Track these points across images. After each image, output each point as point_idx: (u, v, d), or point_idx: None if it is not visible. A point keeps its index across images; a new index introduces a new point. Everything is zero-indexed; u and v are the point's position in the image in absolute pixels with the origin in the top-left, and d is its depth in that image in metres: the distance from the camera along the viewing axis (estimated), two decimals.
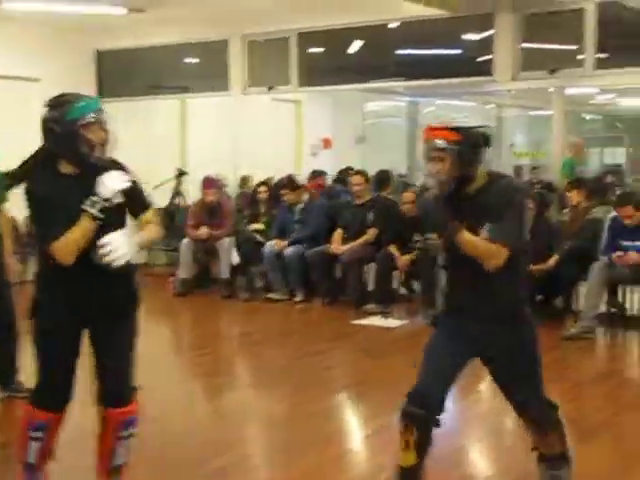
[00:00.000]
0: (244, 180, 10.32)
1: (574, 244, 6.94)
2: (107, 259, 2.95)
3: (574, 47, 7.62)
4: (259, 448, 4.40)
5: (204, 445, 4.20)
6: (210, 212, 8.48)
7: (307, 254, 8.00)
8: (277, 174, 10.16)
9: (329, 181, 10.28)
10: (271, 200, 8.70)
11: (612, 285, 6.81)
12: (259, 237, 8.49)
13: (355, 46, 9.06)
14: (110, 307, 3.17)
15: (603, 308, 6.75)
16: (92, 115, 3.13)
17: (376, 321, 7.20)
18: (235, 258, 8.45)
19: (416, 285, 7.97)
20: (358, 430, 4.70)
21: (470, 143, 2.96)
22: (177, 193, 9.79)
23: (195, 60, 10.28)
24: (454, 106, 14.70)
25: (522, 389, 3.18)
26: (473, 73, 8.41)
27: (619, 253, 6.36)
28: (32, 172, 3.21)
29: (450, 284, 3.19)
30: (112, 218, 3.07)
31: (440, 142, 2.96)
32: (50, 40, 9.57)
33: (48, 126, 3.08)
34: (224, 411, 4.98)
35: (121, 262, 2.98)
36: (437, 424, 3.08)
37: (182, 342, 7.24)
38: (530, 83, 8.11)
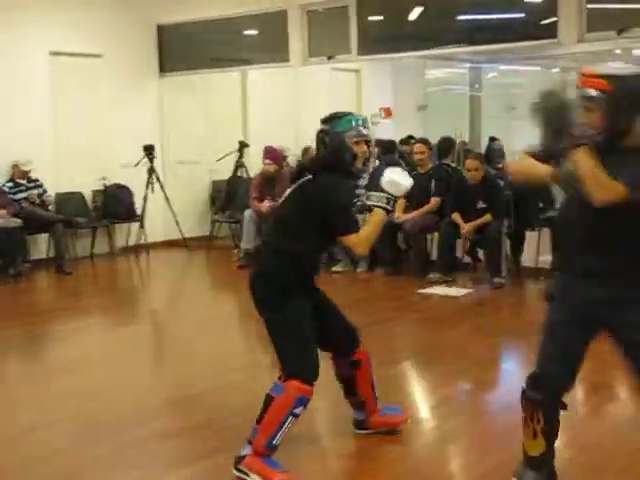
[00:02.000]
0: (305, 151, 10.32)
1: None
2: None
3: None
4: (324, 419, 4.43)
5: None
6: (270, 182, 8.52)
7: None
8: None
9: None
10: None
11: None
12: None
13: (415, 13, 8.93)
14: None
15: None
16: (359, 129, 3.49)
17: (440, 290, 7.17)
18: None
19: (480, 253, 7.90)
20: (423, 400, 4.70)
21: (624, 93, 2.63)
22: (239, 165, 9.86)
23: (254, 32, 10.28)
24: (517, 71, 14.40)
25: None
26: (537, 37, 8.20)
27: None
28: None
29: (575, 244, 2.82)
30: None
31: (590, 91, 2.68)
32: (111, 16, 9.69)
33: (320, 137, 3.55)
34: None
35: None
36: (563, 407, 2.96)
37: (247, 313, 7.31)
38: (597, 45, 7.86)
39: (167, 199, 9.62)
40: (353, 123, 3.48)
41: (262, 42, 10.26)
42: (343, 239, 3.40)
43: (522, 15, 8.55)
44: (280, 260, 3.46)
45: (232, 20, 9.89)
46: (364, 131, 3.48)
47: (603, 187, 2.59)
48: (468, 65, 13.91)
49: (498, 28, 8.60)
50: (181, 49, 10.42)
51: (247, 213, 8.66)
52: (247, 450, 3.45)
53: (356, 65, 11.03)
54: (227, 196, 9.81)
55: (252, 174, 9.59)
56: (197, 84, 10.53)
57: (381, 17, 9.38)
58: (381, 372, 4.88)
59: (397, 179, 3.42)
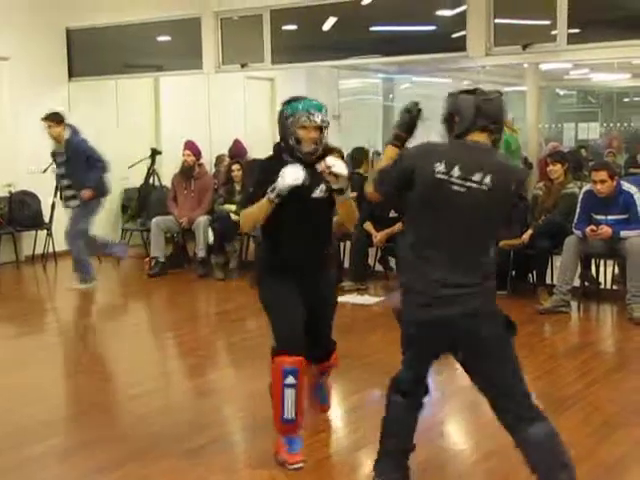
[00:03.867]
0: (219, 159, 10.27)
1: (548, 218, 6.99)
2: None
3: (547, 22, 7.62)
4: (238, 426, 4.41)
5: (184, 423, 4.22)
6: (187, 175, 8.56)
7: None
8: (252, 152, 10.13)
9: None
10: (245, 179, 8.67)
11: (586, 259, 6.88)
12: (234, 216, 8.47)
13: (329, 23, 9.00)
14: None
15: (577, 282, 6.81)
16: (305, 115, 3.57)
17: (352, 298, 7.22)
18: (210, 237, 8.44)
19: (392, 262, 7.99)
20: (335, 407, 4.71)
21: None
22: (151, 173, 9.72)
23: (168, 38, 10.17)
24: (429, 83, 14.67)
25: None
26: (447, 49, 8.38)
27: (592, 227, 6.42)
28: None
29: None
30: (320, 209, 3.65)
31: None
32: (19, 18, 9.43)
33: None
34: (203, 389, 4.98)
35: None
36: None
37: (158, 322, 7.22)
38: (503, 59, 8.10)
39: None
40: (300, 108, 3.57)
41: (175, 49, 10.16)
42: None
43: (434, 28, 8.73)
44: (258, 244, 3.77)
45: (145, 26, 9.76)
46: (312, 117, 3.55)
47: (369, 183, 3.14)
48: (381, 76, 14.10)
49: (410, 40, 8.75)
50: (92, 54, 10.21)
51: (154, 221, 8.57)
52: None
53: (271, 74, 11.03)
54: (138, 204, 9.66)
55: (164, 182, 9.47)
56: (109, 90, 10.33)
57: (295, 26, 9.42)
58: None
59: (285, 173, 3.49)
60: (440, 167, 2.89)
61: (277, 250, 3.70)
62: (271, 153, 3.75)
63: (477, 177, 2.88)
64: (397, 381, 3.23)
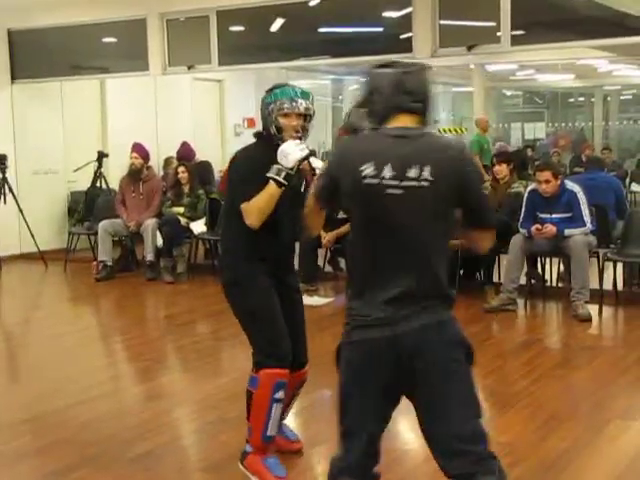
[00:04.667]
0: (167, 162, 10.19)
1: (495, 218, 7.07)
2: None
3: (492, 24, 7.72)
4: (187, 430, 4.38)
5: (131, 428, 4.18)
6: (135, 177, 8.50)
7: None
8: (200, 154, 10.08)
9: None
10: (193, 181, 8.61)
11: (531, 257, 6.99)
12: (182, 219, 8.42)
13: (277, 24, 8.99)
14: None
15: (523, 280, 6.91)
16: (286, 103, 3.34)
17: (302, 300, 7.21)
18: (159, 240, 8.37)
19: (342, 262, 8.02)
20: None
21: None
22: (98, 176, 9.61)
23: (113, 40, 10.05)
24: None
25: None
26: (394, 50, 8.44)
27: (537, 226, 6.52)
28: None
29: None
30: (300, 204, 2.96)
31: None
32: None
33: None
34: (153, 393, 4.93)
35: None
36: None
37: (107, 327, 7.13)
38: (449, 60, 8.20)
39: (21, 211, 9.24)
40: (280, 96, 3.34)
41: (121, 50, 10.05)
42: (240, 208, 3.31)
43: (381, 29, 8.78)
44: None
45: (90, 27, 9.63)
46: (294, 104, 3.32)
47: (309, 196, 2.89)
48: (331, 77, 14.16)
49: (358, 41, 8.79)
50: (35, 55, 10.04)
51: (101, 225, 8.48)
52: (248, 447, 3.44)
53: (219, 75, 10.99)
54: (85, 207, 9.54)
55: (112, 185, 9.37)
56: (53, 92, 10.17)
57: (242, 27, 9.39)
58: (242, 384, 4.89)
59: (287, 149, 3.26)
60: (368, 170, 2.38)
61: (260, 246, 3.39)
62: (251, 144, 3.49)
63: (413, 173, 2.37)
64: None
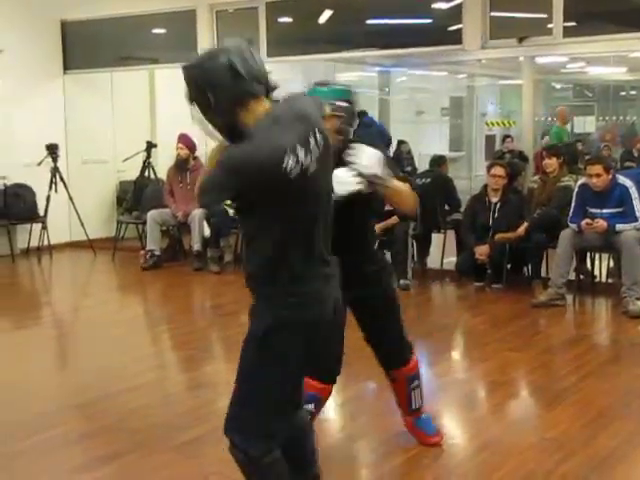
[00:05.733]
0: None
1: (543, 212, 6.99)
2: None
3: (544, 16, 7.61)
4: None
5: (177, 416, 4.22)
6: (182, 168, 8.56)
7: None
8: None
9: None
10: None
11: (581, 252, 6.89)
12: (230, 210, 8.46)
13: (325, 16, 8.98)
14: None
15: (572, 275, 6.82)
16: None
17: None
18: (206, 230, 8.43)
19: (387, 255, 7.99)
20: (336, 397, 4.72)
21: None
22: (147, 166, 9.71)
23: (163, 31, 10.14)
24: (425, 76, 14.65)
25: None
26: (443, 42, 8.37)
27: (587, 220, 6.42)
28: None
29: None
30: None
31: None
32: (13, 10, 9.40)
33: None
34: (196, 383, 4.98)
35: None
36: None
37: (153, 315, 7.21)
38: (499, 52, 8.09)
39: (71, 199, 9.38)
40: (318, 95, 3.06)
41: (170, 41, 10.13)
42: None
43: (429, 21, 8.72)
44: None
45: (140, 18, 9.73)
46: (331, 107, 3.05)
47: None
48: (377, 69, 14.08)
49: (406, 33, 8.73)
50: (87, 46, 10.18)
51: (150, 214, 8.57)
52: None
53: (267, 67, 11.00)
54: (134, 197, 9.65)
55: (160, 175, 9.45)
56: (104, 82, 10.30)
57: (291, 19, 9.40)
58: None
59: (339, 175, 2.96)
60: (290, 162, 2.24)
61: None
62: None
63: (312, 142, 2.29)
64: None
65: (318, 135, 2.31)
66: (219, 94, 2.29)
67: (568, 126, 11.83)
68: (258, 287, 2.45)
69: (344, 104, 3.17)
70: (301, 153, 2.25)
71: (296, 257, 2.37)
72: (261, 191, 2.26)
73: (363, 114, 8.85)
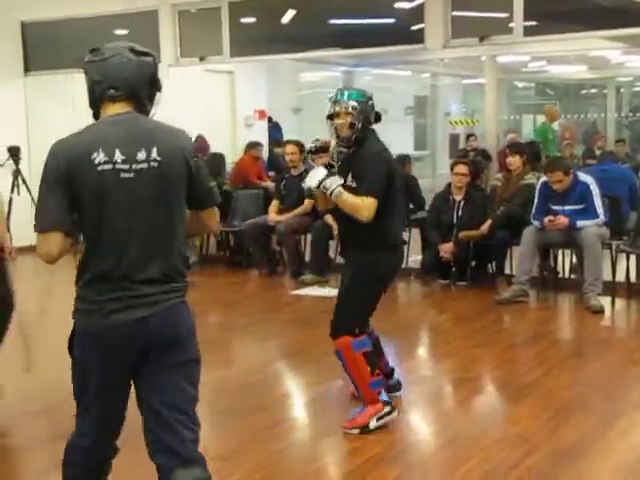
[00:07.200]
0: None
1: (507, 209, 7.06)
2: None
3: (505, 15, 7.68)
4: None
5: None
6: None
7: (243, 226, 7.98)
8: (211, 146, 10.08)
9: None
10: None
11: (544, 249, 6.96)
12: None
13: (288, 16, 8.98)
14: None
15: (535, 272, 6.89)
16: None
17: (313, 291, 7.23)
18: None
19: None
20: (297, 398, 4.73)
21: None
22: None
23: (125, 31, 10.06)
24: (389, 75, 14.72)
25: None
26: (406, 41, 8.42)
27: (550, 217, 6.50)
28: None
29: None
30: None
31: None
32: None
33: None
34: None
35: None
36: None
37: None
38: (461, 51, 8.17)
39: (34, 202, 9.26)
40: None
41: (133, 42, 9.96)
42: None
43: (392, 21, 8.76)
44: None
45: (102, 19, 9.64)
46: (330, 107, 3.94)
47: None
48: (341, 69, 14.12)
49: (369, 32, 8.77)
50: (48, 47, 10.07)
51: None
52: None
53: (230, 67, 10.98)
54: None
55: None
56: (66, 84, 10.19)
57: (254, 19, 9.38)
58: (254, 374, 4.91)
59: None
60: (100, 157, 2.38)
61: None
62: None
63: (142, 155, 2.38)
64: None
65: (155, 155, 2.40)
66: (90, 91, 2.63)
67: (555, 124, 11.91)
68: None
69: (354, 104, 3.88)
70: (118, 153, 2.39)
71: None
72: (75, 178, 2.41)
73: None
